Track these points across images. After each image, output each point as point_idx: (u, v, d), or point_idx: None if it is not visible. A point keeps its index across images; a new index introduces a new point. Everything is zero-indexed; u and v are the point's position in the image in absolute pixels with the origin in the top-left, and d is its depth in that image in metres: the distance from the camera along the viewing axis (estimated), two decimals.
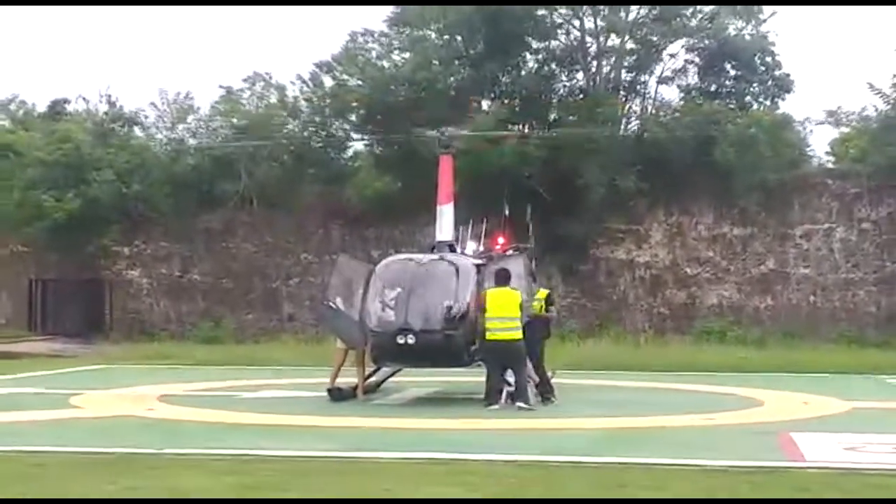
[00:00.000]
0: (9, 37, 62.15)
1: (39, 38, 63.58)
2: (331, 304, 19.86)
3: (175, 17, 66.45)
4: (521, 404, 17.79)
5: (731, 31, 37.49)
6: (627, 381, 22.34)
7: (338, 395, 19.31)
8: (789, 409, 18.10)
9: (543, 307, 19.25)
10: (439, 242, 20.82)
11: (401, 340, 18.08)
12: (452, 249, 20.65)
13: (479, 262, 20.05)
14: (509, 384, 18.37)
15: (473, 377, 21.08)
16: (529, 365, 18.71)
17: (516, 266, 19.93)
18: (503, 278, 18.46)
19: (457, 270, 19.13)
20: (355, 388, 19.64)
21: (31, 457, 12.69)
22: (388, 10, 38.76)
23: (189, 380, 23.71)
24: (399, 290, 18.56)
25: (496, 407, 17.87)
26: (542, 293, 19.65)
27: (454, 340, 18.33)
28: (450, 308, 18.27)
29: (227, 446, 13.49)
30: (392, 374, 20.79)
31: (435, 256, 19.80)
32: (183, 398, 19.88)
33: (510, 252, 21.58)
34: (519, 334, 18.08)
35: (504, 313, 18.03)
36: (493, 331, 18.03)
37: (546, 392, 18.97)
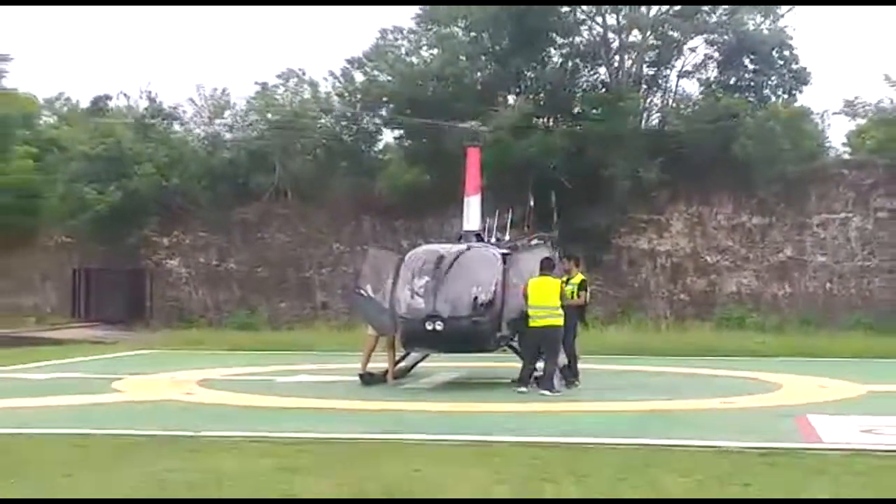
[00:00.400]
0: (54, 36, 62.52)
1: (83, 37, 63.91)
2: (362, 292, 19.92)
3: (211, 15, 66.64)
4: (544, 391, 17.78)
5: (750, 26, 37.33)
6: (649, 366, 22.24)
7: (369, 379, 19.35)
8: (807, 393, 18.00)
9: (576, 292, 19.12)
10: (466, 232, 20.84)
11: (429, 327, 18.10)
12: (479, 239, 20.68)
13: (505, 251, 20.02)
14: (537, 369, 18.40)
15: (498, 362, 21.13)
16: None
17: (539, 255, 19.92)
18: (547, 267, 18.54)
19: (483, 259, 19.16)
20: (385, 372, 19.66)
21: (75, 439, 12.79)
22: (416, 8, 38.85)
23: (226, 365, 23.76)
24: (427, 278, 18.58)
25: (524, 390, 17.88)
26: (578, 278, 19.51)
27: (480, 327, 18.34)
28: (476, 297, 18.28)
29: (263, 429, 13.53)
30: (421, 360, 20.79)
31: (462, 246, 19.80)
32: (221, 382, 19.94)
33: (535, 241, 21.56)
34: (558, 321, 18.13)
35: (544, 302, 18.10)
36: (534, 318, 18.13)
37: (570, 376, 18.93)
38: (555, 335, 18.17)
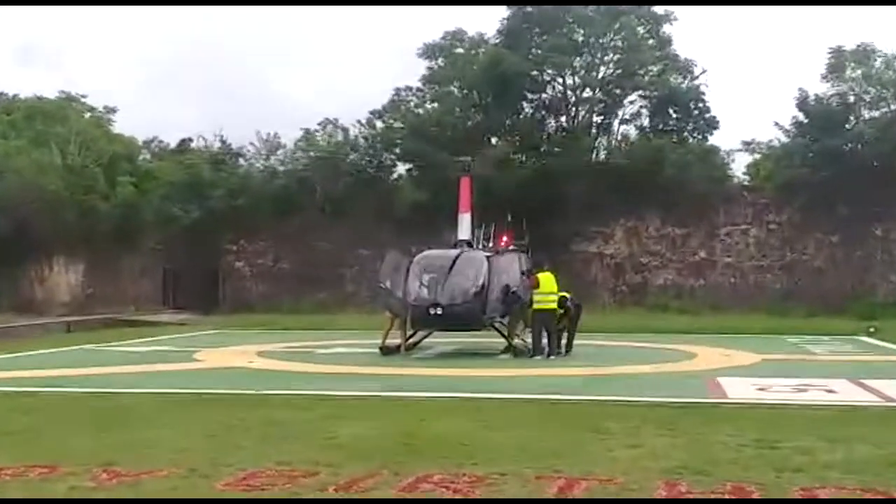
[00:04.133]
0: (151, 90, 62.46)
1: (174, 91, 63.82)
2: (382, 285, 19.98)
3: (264, 68, 66.52)
4: (553, 356, 18.04)
5: (674, 83, 37.34)
6: (598, 341, 22.27)
7: (387, 351, 19.39)
8: (716, 361, 18.03)
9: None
10: (460, 240, 20.93)
11: (432, 311, 18.19)
12: (469, 245, 20.75)
13: (489, 254, 20.06)
14: (513, 343, 18.62)
15: (483, 339, 21.19)
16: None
17: (512, 258, 20.10)
18: (543, 263, 19.25)
19: (473, 260, 19.25)
20: (399, 346, 19.69)
21: (170, 396, 12.85)
22: (423, 70, 38.92)
23: (279, 340, 23.82)
24: (431, 274, 18.66)
25: (539, 358, 18.01)
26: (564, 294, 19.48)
27: (471, 311, 18.40)
28: (468, 288, 18.37)
29: (307, 388, 13.60)
30: (426, 336, 20.83)
31: (457, 250, 19.88)
32: (275, 353, 19.98)
33: (511, 248, 21.64)
34: (555, 305, 18.45)
35: (549, 289, 18.48)
36: (541, 301, 18.34)
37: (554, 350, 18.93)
38: (553, 317, 18.51)
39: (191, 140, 42.88)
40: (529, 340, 18.96)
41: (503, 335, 19.78)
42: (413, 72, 43.78)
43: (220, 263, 39.18)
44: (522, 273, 19.71)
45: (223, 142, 41.14)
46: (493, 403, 12.05)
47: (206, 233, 37.81)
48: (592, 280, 35.98)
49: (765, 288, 34.60)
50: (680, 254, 35.64)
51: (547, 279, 18.61)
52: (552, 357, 18.18)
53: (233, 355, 19.48)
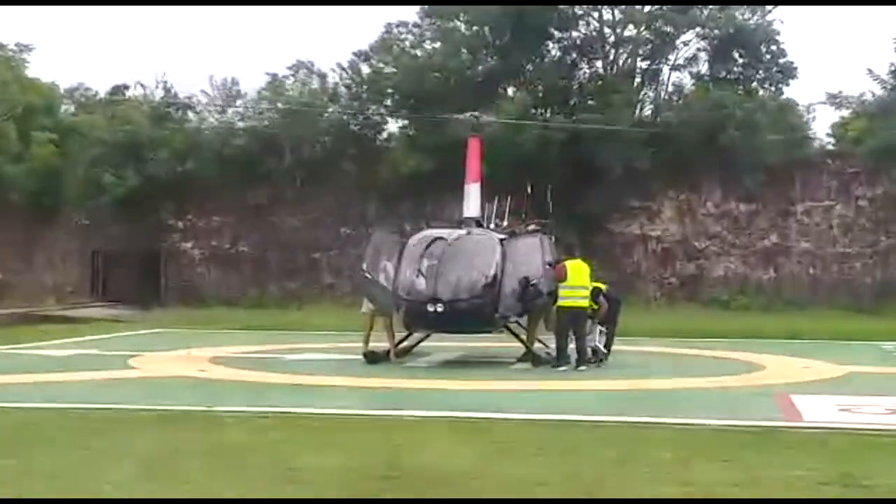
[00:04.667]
0: (73, 26, 62.31)
1: (101, 28, 63.71)
2: (366, 274, 19.95)
3: (223, 7, 66.37)
4: (582, 367, 18.04)
5: (740, 20, 37.19)
6: (639, 346, 22.27)
7: (373, 358, 19.39)
8: (789, 373, 18.02)
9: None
10: (466, 218, 20.90)
11: (431, 308, 18.15)
12: (479, 225, 20.73)
13: (503, 236, 20.03)
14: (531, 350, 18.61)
15: (495, 342, 21.18)
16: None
17: (532, 243, 20.08)
18: (574, 249, 18.82)
19: (482, 244, 19.23)
20: (388, 352, 19.70)
21: (93, 413, 12.83)
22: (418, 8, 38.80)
23: (237, 343, 23.84)
24: (429, 261, 18.62)
25: (564, 368, 18.05)
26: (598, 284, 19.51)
27: (480, 308, 18.38)
28: (476, 280, 18.36)
29: (271, 404, 13.58)
30: (423, 339, 20.84)
31: (462, 231, 19.85)
32: (232, 360, 19.97)
33: (531, 228, 21.59)
34: (587, 302, 18.43)
35: (578, 282, 18.42)
36: (569, 298, 18.33)
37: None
38: (585, 316, 18.49)
39: (126, 87, 42.75)
40: (553, 346, 18.97)
41: (520, 339, 19.77)
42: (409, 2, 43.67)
43: (162, 245, 39.21)
44: (547, 263, 19.68)
45: (167, 90, 41.08)
46: (506, 426, 12.04)
47: (145, 206, 37.86)
48: (634, 269, 36.06)
49: (853, 281, 34.61)
50: (745, 237, 35.64)
51: (577, 269, 18.57)
52: (582, 368, 18.18)
53: (179, 362, 19.47)
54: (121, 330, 28.44)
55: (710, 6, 37.24)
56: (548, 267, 19.49)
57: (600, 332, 19.09)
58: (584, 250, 35.15)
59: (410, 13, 39.42)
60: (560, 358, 18.40)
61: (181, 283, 39.00)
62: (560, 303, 18.50)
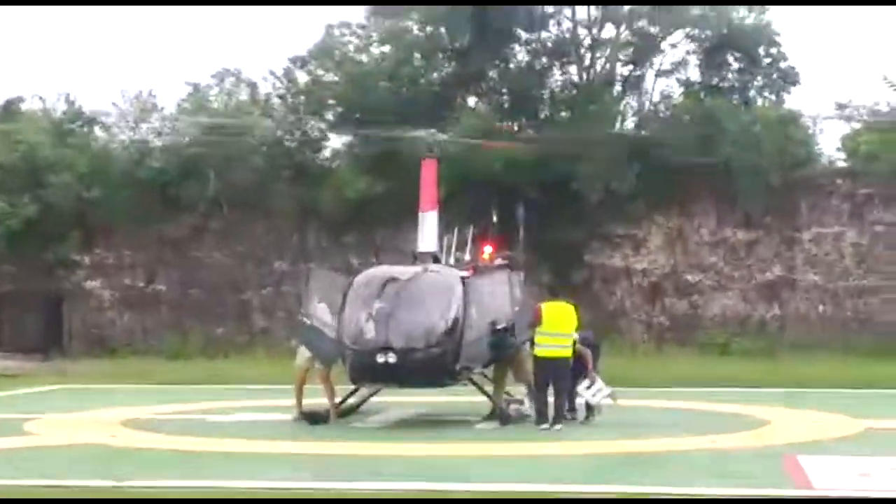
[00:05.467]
0: None
1: None
2: (304, 318, 19.86)
3: (137, 8, 66.19)
4: (559, 426, 18.08)
5: (734, 20, 37.55)
6: (625, 398, 22.28)
7: (313, 418, 19.26)
8: (797, 430, 18.04)
9: None
10: (422, 253, 20.82)
11: (381, 359, 18.02)
12: (436, 260, 20.66)
13: (465, 273, 20.00)
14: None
15: (459, 396, 21.11)
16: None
17: (499, 279, 20.09)
18: (556, 292, 18.87)
19: (441, 283, 19.17)
20: (327, 410, 19.57)
21: None
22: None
23: (155, 402, 23.59)
24: (379, 305, 18.55)
25: (546, 427, 18.06)
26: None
27: (439, 359, 18.32)
28: (433, 325, 18.34)
29: (195, 477, 13.42)
30: (371, 395, 20.75)
31: (417, 268, 19.78)
32: (148, 423, 19.73)
33: (497, 262, 21.60)
34: (569, 352, 18.39)
35: (558, 329, 18.35)
36: (544, 346, 18.32)
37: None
38: (567, 369, 18.39)
39: (21, 100, 42.44)
40: (526, 402, 18.92)
41: (485, 394, 19.72)
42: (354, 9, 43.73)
43: (65, 284, 38.82)
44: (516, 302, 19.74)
45: (70, 103, 40.81)
46: (477, 500, 11.96)
47: (44, 239, 37.47)
48: (618, 307, 36.17)
49: (869, 319, 34.83)
50: (744, 269, 35.84)
51: (557, 313, 18.48)
52: (558, 427, 18.16)
53: (85, 425, 19.20)
54: (16, 386, 28.06)
55: (701, 4, 37.57)
56: (520, 307, 19.54)
57: (587, 385, 18.94)
58: (560, 286, 35.59)
59: (355, 13, 39.42)
60: (540, 416, 18.36)
61: (88, 329, 38.61)
62: (536, 351, 18.49)
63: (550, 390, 18.44)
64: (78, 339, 38.32)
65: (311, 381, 19.79)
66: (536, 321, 18.50)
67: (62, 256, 38.41)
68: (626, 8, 37.58)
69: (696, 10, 37.65)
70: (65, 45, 60.62)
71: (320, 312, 19.71)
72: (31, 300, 38.61)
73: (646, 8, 37.43)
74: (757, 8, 37.85)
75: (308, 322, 19.83)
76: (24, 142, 38.22)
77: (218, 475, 13.66)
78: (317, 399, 19.90)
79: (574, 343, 18.75)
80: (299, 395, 19.74)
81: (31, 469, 14.41)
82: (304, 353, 19.95)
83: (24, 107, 42.08)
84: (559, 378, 18.39)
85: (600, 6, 37.40)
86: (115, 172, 38.48)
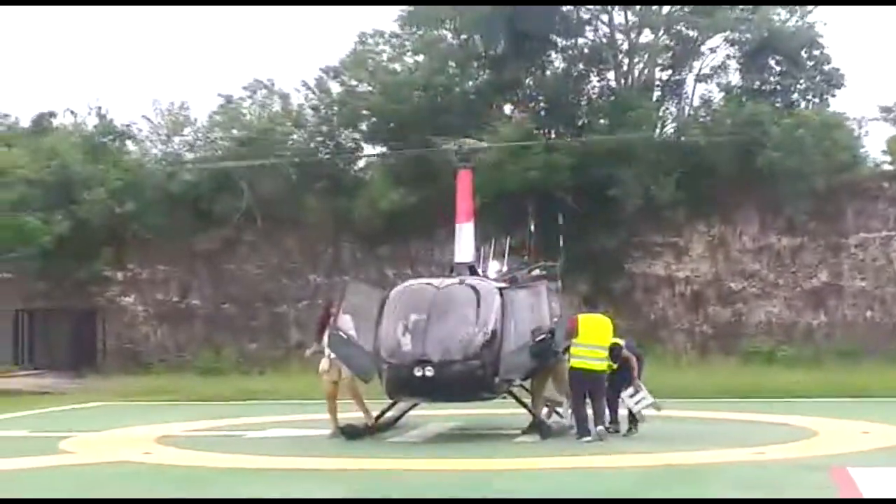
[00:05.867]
0: None
1: (23, 47, 63.99)
2: (339, 332, 19.83)
3: (168, 20, 66.76)
4: (602, 439, 18.06)
5: (776, 22, 37.41)
6: (669, 409, 22.18)
7: (351, 432, 19.24)
8: (847, 440, 17.90)
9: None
10: (458, 264, 20.79)
11: (418, 373, 18.00)
12: (473, 271, 20.61)
13: (503, 285, 19.97)
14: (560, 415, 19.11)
15: (500, 409, 21.06)
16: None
17: (538, 290, 20.07)
18: (594, 303, 19.39)
19: (478, 295, 19.11)
20: (367, 425, 19.55)
21: None
22: (399, 9, 38.94)
23: (189, 418, 23.66)
24: (415, 317, 18.53)
25: (589, 439, 18.03)
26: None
27: (478, 372, 18.28)
28: (471, 338, 18.32)
29: (230, 493, 13.46)
30: (409, 409, 20.72)
31: (454, 280, 19.75)
32: (183, 439, 19.81)
33: (536, 272, 21.57)
34: (605, 365, 18.42)
35: (595, 341, 18.38)
36: (580, 358, 18.33)
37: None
38: (602, 382, 18.42)
39: (53, 115, 42.82)
40: (564, 409, 18.89)
41: (525, 406, 19.67)
42: (386, 9, 43.93)
43: (99, 301, 39.09)
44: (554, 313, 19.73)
45: (102, 117, 41.14)
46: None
47: (77, 255, 37.73)
48: (659, 317, 36.05)
49: None
50: (789, 276, 35.68)
51: (593, 324, 18.46)
52: (599, 428, 18.13)
53: (119, 442, 19.29)
54: (51, 404, 28.23)
55: (741, 6, 37.44)
56: (557, 318, 19.54)
57: (631, 392, 18.89)
58: (600, 295, 35.50)
59: (387, 21, 39.54)
60: (581, 429, 18.32)
61: (122, 345, 38.87)
62: (572, 363, 18.48)
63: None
64: (111, 356, 38.57)
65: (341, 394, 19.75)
66: (573, 332, 18.48)
67: (95, 272, 38.66)
68: (664, 11, 37.47)
69: (735, 13, 37.52)
70: (96, 58, 61.16)
71: (356, 325, 19.66)
72: (64, 317, 38.97)
73: (684, 11, 37.31)
74: (799, 10, 37.70)
75: (343, 335, 19.78)
76: (57, 157, 38.51)
77: (250, 492, 13.64)
78: (352, 413, 19.88)
79: (620, 350, 18.74)
80: (333, 409, 19.70)
81: (66, 488, 14.47)
82: (326, 364, 19.84)
83: (55, 122, 42.48)
84: (595, 390, 18.42)
85: (639, 6, 37.27)
86: (148, 187, 38.72)
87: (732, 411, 22.84)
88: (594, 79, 38.99)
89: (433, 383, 18.02)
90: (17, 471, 16.44)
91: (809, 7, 37.70)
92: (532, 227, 24.17)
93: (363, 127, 38.84)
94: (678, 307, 36.45)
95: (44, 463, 17.06)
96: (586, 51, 38.52)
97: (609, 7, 37.76)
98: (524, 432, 19.30)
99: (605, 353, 18.44)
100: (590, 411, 18.50)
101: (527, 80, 38.26)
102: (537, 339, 19.03)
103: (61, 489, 14.30)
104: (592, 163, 34.62)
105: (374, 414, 19.83)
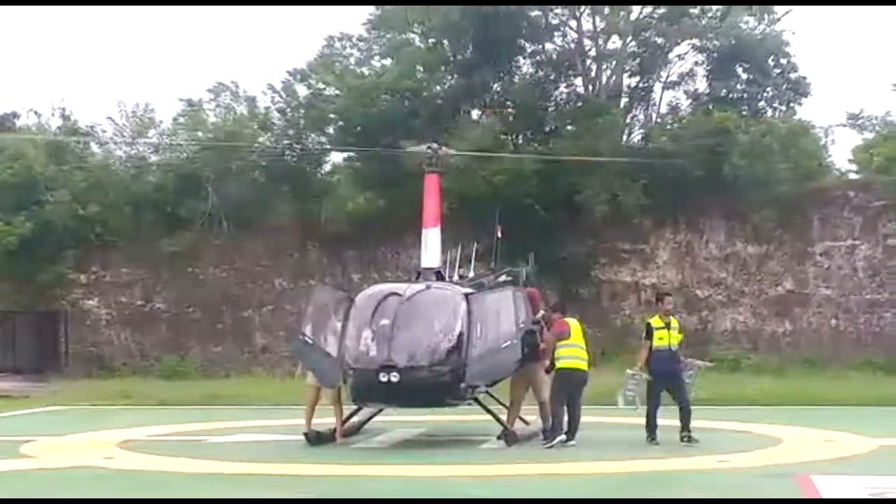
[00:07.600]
0: None
1: None
2: (306, 337, 19.83)
3: (134, 21, 66.51)
4: (572, 442, 18.38)
5: (743, 30, 37.58)
6: (633, 417, 22.24)
7: (315, 438, 19.26)
8: (810, 449, 18.01)
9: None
10: (425, 269, 20.82)
11: (383, 378, 18.01)
12: (440, 277, 20.67)
13: (469, 290, 20.00)
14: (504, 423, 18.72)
15: (465, 415, 21.08)
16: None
17: (505, 296, 20.13)
18: (563, 309, 19.70)
19: (445, 300, 19.17)
20: (334, 430, 19.58)
21: None
22: (367, 12, 38.95)
23: (153, 422, 23.59)
24: (381, 322, 18.55)
25: (573, 443, 18.32)
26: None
27: (443, 378, 18.31)
28: (438, 343, 18.37)
29: (192, 500, 13.39)
30: (374, 415, 20.74)
31: (421, 286, 19.78)
32: (146, 444, 19.75)
33: (503, 279, 21.62)
34: (588, 366, 18.88)
35: (579, 342, 18.81)
36: (570, 358, 18.64)
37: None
38: (585, 383, 18.86)
39: (16, 116, 42.59)
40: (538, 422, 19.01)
41: (491, 414, 19.67)
42: (354, 12, 43.94)
43: (62, 304, 38.85)
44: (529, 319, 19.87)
45: (66, 118, 40.90)
46: None
47: (40, 257, 37.51)
48: (626, 323, 36.06)
49: (883, 334, 34.76)
50: (755, 284, 35.81)
51: (574, 327, 18.85)
52: (573, 442, 18.47)
53: (81, 447, 19.22)
54: (12, 408, 28.05)
55: (710, 11, 37.61)
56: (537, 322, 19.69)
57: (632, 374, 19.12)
58: (567, 302, 35.58)
59: (355, 24, 39.57)
60: (556, 428, 18.45)
61: (85, 348, 38.62)
62: (562, 364, 18.66)
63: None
64: (75, 359, 38.28)
65: (321, 400, 19.75)
66: (564, 334, 18.68)
67: (59, 275, 38.40)
68: (632, 18, 37.62)
69: (703, 21, 37.71)
70: (60, 59, 60.86)
71: (321, 329, 19.66)
72: (27, 320, 38.67)
73: (653, 18, 37.47)
74: (767, 17, 37.91)
75: (310, 341, 19.79)
76: (19, 158, 38.29)
77: (208, 497, 13.62)
78: (329, 419, 19.87)
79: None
80: (309, 414, 19.69)
81: (26, 492, 14.41)
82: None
83: (18, 122, 42.24)
84: (578, 394, 18.75)
85: (606, 8, 37.40)
86: (112, 189, 38.55)
87: (696, 419, 22.75)
88: (562, 85, 39.07)
89: (398, 389, 18.05)
90: None
91: (778, 14, 37.90)
92: (499, 233, 24.13)
93: (330, 130, 38.75)
94: (644, 314, 36.47)
95: (4, 467, 16.94)
96: (554, 56, 38.61)
97: (577, 12, 37.81)
98: (498, 438, 19.36)
99: (587, 355, 18.85)
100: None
101: (494, 86, 38.27)
102: (503, 345, 19.11)
103: (21, 493, 14.24)
104: (559, 169, 34.67)
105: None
